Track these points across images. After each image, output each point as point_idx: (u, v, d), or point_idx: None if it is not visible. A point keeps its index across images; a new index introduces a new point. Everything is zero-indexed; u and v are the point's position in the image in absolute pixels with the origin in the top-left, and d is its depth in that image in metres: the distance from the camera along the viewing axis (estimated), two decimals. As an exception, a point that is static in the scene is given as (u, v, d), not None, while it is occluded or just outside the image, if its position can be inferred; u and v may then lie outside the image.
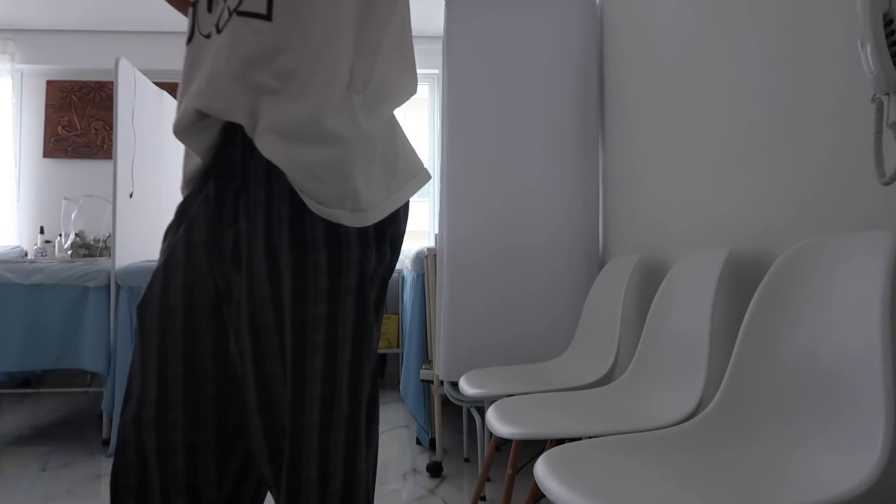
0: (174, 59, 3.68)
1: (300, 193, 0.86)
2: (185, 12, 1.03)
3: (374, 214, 0.90)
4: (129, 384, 0.91)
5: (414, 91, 1.01)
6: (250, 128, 0.85)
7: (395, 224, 0.97)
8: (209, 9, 0.90)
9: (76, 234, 3.95)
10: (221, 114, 0.85)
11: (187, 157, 0.97)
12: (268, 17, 0.84)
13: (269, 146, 0.84)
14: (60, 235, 4.12)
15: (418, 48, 4.65)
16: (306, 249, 0.87)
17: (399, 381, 3.52)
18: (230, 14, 0.85)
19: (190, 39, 0.92)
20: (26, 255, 4.23)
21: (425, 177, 1.00)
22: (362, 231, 0.90)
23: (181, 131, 0.90)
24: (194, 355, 0.90)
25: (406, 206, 0.99)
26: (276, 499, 0.88)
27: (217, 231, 0.91)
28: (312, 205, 0.86)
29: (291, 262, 0.86)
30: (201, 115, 0.88)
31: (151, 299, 0.92)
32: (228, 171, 0.92)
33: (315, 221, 0.87)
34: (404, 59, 0.97)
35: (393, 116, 0.98)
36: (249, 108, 0.84)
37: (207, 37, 0.89)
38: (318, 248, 0.87)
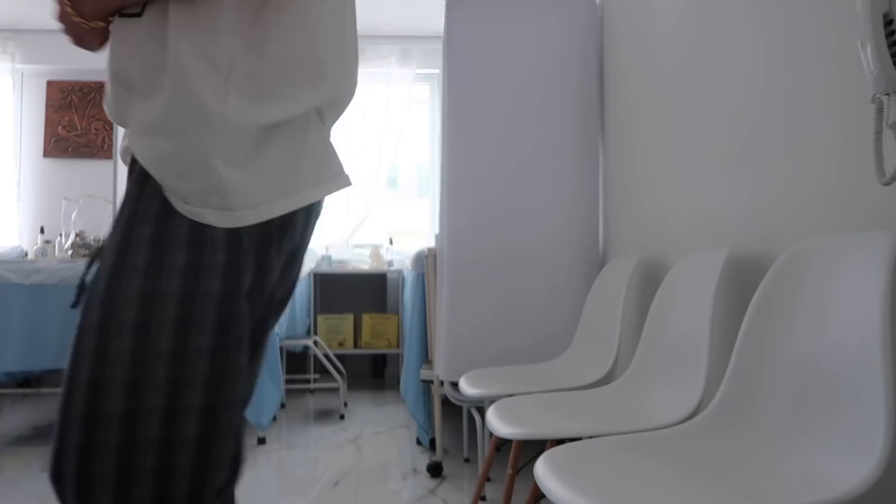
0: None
1: (165, 192, 0.80)
2: None
3: (252, 215, 0.81)
4: None
5: (344, 87, 0.90)
6: (125, 127, 0.83)
7: (289, 234, 0.86)
8: None
9: (76, 234, 3.95)
10: (112, 117, 0.84)
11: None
12: (140, 14, 0.80)
13: (136, 144, 0.80)
14: (61, 235, 4.12)
15: (419, 48, 4.65)
16: (165, 249, 0.79)
17: (399, 381, 3.52)
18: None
19: None
20: (26, 255, 4.23)
21: (334, 185, 0.89)
22: (234, 234, 0.80)
23: None
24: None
25: (308, 217, 0.89)
26: None
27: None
28: (176, 203, 0.80)
29: (144, 260, 0.78)
30: None
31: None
32: (132, 166, 0.87)
33: (181, 219, 0.79)
34: (326, 49, 0.86)
35: (310, 117, 0.86)
36: (122, 110, 0.82)
37: None
38: (178, 249, 0.78)
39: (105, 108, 0.87)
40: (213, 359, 0.78)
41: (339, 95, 0.90)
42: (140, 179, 0.82)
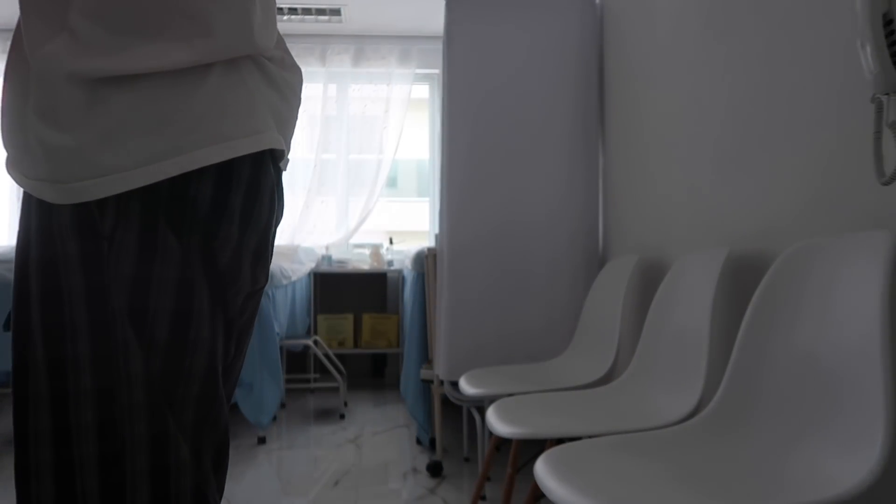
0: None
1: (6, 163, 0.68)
2: None
3: (94, 188, 0.63)
4: None
5: (243, 46, 0.70)
6: None
7: (189, 207, 0.68)
8: None
9: (76, 234, 3.95)
10: None
11: None
12: None
13: None
14: (61, 235, 4.12)
15: (419, 48, 4.64)
16: (28, 243, 0.68)
17: (399, 381, 3.52)
18: None
19: None
20: (26, 254, 4.22)
21: (242, 146, 0.69)
22: (83, 212, 0.65)
23: None
24: None
25: (223, 184, 0.69)
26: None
27: None
28: (17, 176, 0.67)
29: (17, 260, 0.69)
30: None
31: None
32: None
33: (32, 206, 0.69)
34: None
35: (218, 67, 0.69)
36: None
37: None
38: (35, 242, 0.67)
39: None
40: (94, 369, 0.65)
41: (233, 55, 0.70)
42: None
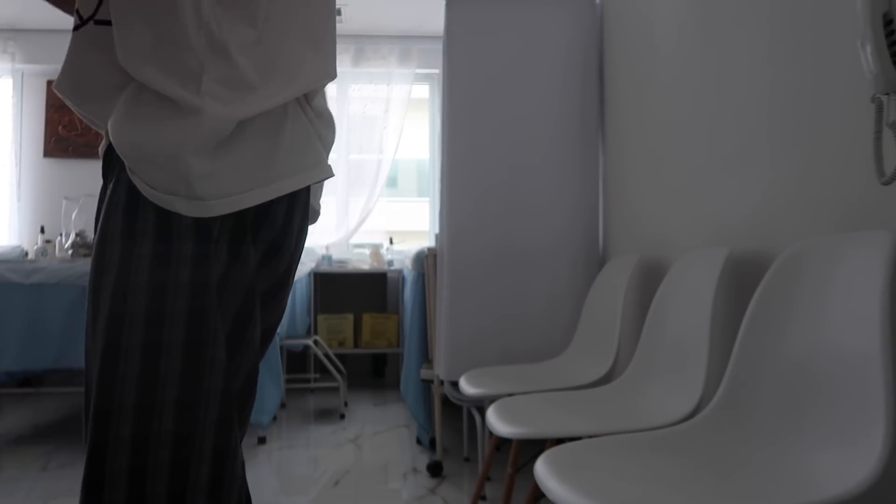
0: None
1: (131, 175, 0.79)
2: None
3: (222, 206, 0.79)
4: None
5: (325, 75, 0.89)
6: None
7: (267, 224, 0.86)
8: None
9: (77, 234, 3.94)
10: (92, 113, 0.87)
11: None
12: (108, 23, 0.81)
13: (113, 122, 0.80)
14: (61, 235, 4.13)
15: (419, 48, 4.64)
16: (134, 239, 0.78)
17: (399, 381, 3.52)
18: (84, 23, 0.85)
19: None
20: (27, 254, 4.23)
21: (313, 175, 0.88)
22: (202, 223, 0.79)
23: None
24: None
25: (291, 208, 0.88)
26: None
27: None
28: (143, 188, 0.78)
29: (118, 253, 0.78)
30: None
31: None
32: (107, 165, 0.88)
33: (147, 209, 0.79)
34: (301, 41, 0.85)
35: (288, 106, 0.85)
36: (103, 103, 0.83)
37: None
38: (145, 238, 0.78)
39: (80, 105, 0.87)
40: (186, 352, 0.76)
41: (319, 84, 0.89)
42: (112, 170, 0.82)
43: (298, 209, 0.89)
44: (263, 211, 0.84)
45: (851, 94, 1.18)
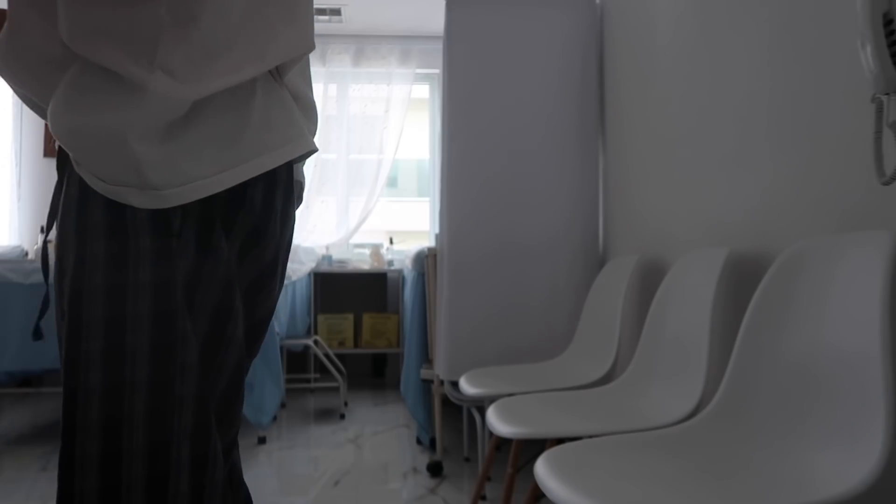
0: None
1: (76, 168, 0.72)
2: None
3: (181, 194, 0.71)
4: None
5: (302, 47, 0.81)
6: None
7: (243, 210, 0.77)
8: None
9: (76, 234, 3.94)
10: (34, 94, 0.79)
11: None
12: None
13: (52, 109, 0.71)
14: (61, 235, 4.12)
15: (419, 48, 4.64)
16: (85, 239, 0.71)
17: (399, 381, 3.52)
18: None
19: None
20: (27, 254, 4.23)
21: (288, 152, 0.79)
22: (159, 215, 0.72)
23: None
24: None
25: (270, 190, 0.79)
26: None
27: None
28: (91, 180, 0.71)
29: (74, 254, 0.71)
30: None
31: None
32: (62, 158, 0.80)
33: (97, 203, 0.71)
34: (275, 7, 0.76)
35: (259, 80, 0.77)
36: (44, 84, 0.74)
37: None
38: (98, 237, 0.71)
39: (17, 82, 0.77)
40: (153, 358, 0.69)
41: (294, 55, 0.80)
42: (65, 164, 0.76)
43: (279, 190, 0.81)
44: (237, 196, 0.76)
45: (851, 94, 1.18)
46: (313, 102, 0.91)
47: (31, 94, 0.77)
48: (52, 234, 0.78)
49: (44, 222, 4.34)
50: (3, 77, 0.77)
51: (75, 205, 0.73)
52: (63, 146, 0.72)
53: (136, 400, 0.68)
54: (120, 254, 0.70)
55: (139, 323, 0.70)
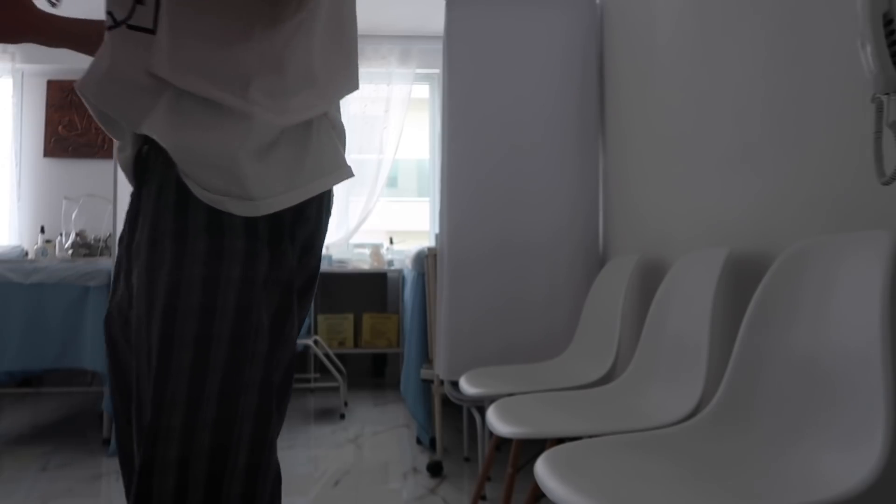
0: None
1: (185, 178, 0.84)
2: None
3: (268, 205, 0.86)
4: (112, 395, 0.96)
5: (352, 87, 0.98)
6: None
7: (301, 224, 0.92)
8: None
9: (77, 234, 3.95)
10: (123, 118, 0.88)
11: (119, 152, 0.97)
12: (153, 31, 0.85)
13: (158, 128, 0.83)
14: (61, 235, 4.13)
15: (419, 48, 4.65)
16: (186, 238, 0.83)
17: (399, 381, 3.53)
18: (117, 25, 0.87)
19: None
20: (27, 254, 4.23)
21: (341, 176, 0.95)
22: (250, 222, 0.85)
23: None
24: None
25: (320, 209, 0.95)
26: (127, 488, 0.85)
27: (131, 235, 0.92)
28: (197, 190, 0.83)
29: (171, 251, 0.83)
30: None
31: (113, 311, 0.96)
32: (143, 170, 0.91)
33: (199, 209, 0.84)
34: (335, 58, 0.95)
35: (319, 116, 0.93)
36: (138, 111, 0.86)
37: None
38: (198, 237, 0.83)
39: (101, 112, 0.89)
40: (231, 345, 0.81)
41: (345, 95, 0.98)
42: (151, 174, 0.87)
43: (325, 209, 0.96)
44: (299, 212, 0.90)
45: (851, 94, 1.18)
46: (343, 127, 1.03)
47: (120, 116, 0.87)
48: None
49: (43, 222, 4.36)
50: (97, 101, 0.87)
51: (173, 208, 0.84)
52: (178, 160, 0.83)
53: (212, 380, 0.80)
54: (217, 251, 0.83)
55: (225, 313, 0.81)
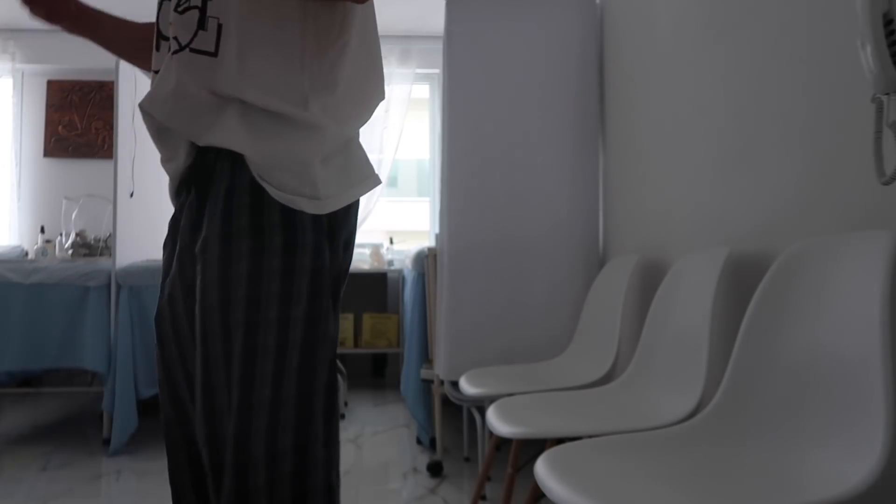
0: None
1: (261, 181, 0.94)
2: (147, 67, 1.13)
3: (331, 204, 0.98)
4: (161, 390, 1.04)
5: (382, 97, 1.10)
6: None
7: (346, 225, 1.04)
8: (161, 40, 1.01)
9: (77, 234, 3.95)
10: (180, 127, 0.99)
11: (166, 162, 1.06)
12: (214, 54, 0.95)
13: (231, 136, 0.94)
14: (61, 235, 4.13)
15: (419, 48, 4.64)
16: (263, 233, 0.93)
17: (399, 381, 3.52)
18: (182, 49, 0.96)
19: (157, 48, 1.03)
20: (27, 254, 4.23)
21: (375, 181, 1.08)
22: (317, 219, 0.97)
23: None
24: (188, 359, 1.00)
25: (356, 211, 1.07)
26: (215, 487, 0.91)
27: (194, 235, 0.99)
28: (273, 191, 0.94)
29: (248, 245, 0.93)
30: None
31: (164, 311, 1.03)
32: (205, 178, 0.99)
33: (273, 208, 0.95)
34: (369, 72, 1.06)
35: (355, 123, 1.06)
36: (206, 122, 0.97)
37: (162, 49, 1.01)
38: (275, 232, 0.94)
39: (169, 117, 0.98)
40: (305, 327, 0.93)
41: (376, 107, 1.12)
42: (218, 178, 0.97)
43: (356, 212, 1.08)
44: (343, 211, 1.02)
45: (851, 94, 1.18)
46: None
47: (184, 130, 0.98)
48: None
49: (43, 222, 4.35)
50: (163, 118, 0.97)
51: (248, 207, 0.95)
52: (257, 166, 0.94)
53: (293, 356, 0.92)
54: (292, 244, 0.94)
55: (300, 299, 0.93)
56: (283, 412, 0.90)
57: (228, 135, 0.94)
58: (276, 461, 0.88)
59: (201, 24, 0.95)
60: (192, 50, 0.96)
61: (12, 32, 4.48)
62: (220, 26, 0.95)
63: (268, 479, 0.88)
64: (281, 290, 0.92)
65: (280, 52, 0.96)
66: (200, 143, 0.96)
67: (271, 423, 0.89)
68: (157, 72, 1.00)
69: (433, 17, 4.11)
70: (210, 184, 0.98)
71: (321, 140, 0.97)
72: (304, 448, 0.91)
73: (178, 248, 1.02)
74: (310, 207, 0.96)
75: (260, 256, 0.92)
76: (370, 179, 1.08)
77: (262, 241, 0.93)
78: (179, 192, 1.06)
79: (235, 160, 0.96)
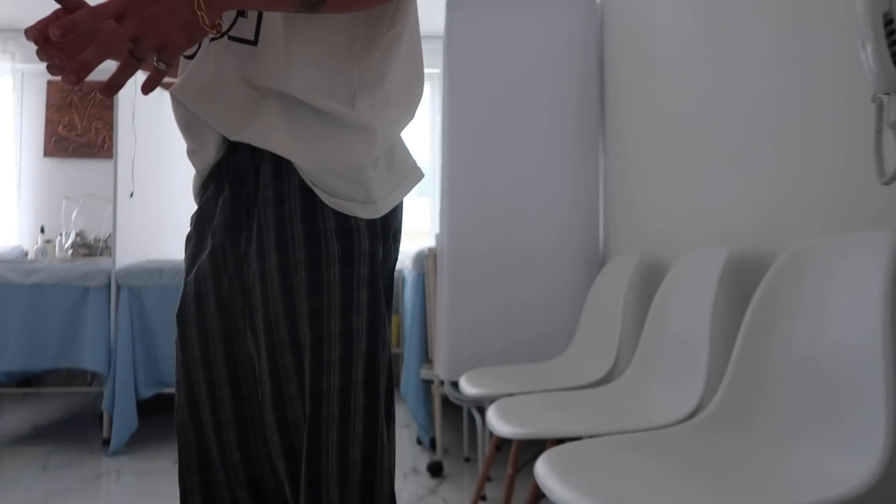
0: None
1: (313, 187, 0.90)
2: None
3: (383, 207, 0.95)
4: (178, 391, 0.99)
5: (421, 95, 1.07)
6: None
7: (395, 220, 1.02)
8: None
9: (77, 234, 3.95)
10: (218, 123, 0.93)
11: (193, 154, 0.99)
12: (254, 42, 0.89)
13: (276, 140, 0.89)
14: (61, 235, 4.13)
15: (418, 48, 4.63)
16: (319, 241, 0.90)
17: (399, 381, 3.53)
18: (220, 35, 0.89)
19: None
20: (27, 254, 4.23)
21: (419, 174, 1.05)
22: (371, 223, 0.94)
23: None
24: (235, 357, 0.97)
25: (401, 204, 1.03)
26: (293, 495, 0.90)
27: (234, 235, 0.96)
28: (326, 198, 0.90)
29: (305, 255, 0.90)
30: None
31: (188, 309, 0.97)
32: (241, 175, 0.95)
33: (327, 214, 0.91)
34: (414, 70, 1.03)
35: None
36: (240, 118, 0.92)
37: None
38: (331, 240, 0.90)
39: (209, 116, 0.93)
40: (368, 336, 0.91)
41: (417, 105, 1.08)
42: (265, 181, 0.93)
43: (402, 206, 1.05)
44: (393, 211, 0.99)
45: (852, 94, 1.18)
46: None
47: (217, 123, 0.92)
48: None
49: (43, 222, 4.36)
50: (195, 108, 0.92)
51: (300, 216, 0.91)
52: (308, 171, 0.90)
53: (358, 368, 0.90)
54: (349, 253, 0.91)
55: (360, 307, 0.91)
56: (351, 426, 0.89)
57: (272, 138, 0.90)
58: (347, 474, 0.88)
59: (241, 10, 0.89)
60: (231, 38, 0.89)
61: (12, 32, 4.48)
62: (260, 12, 0.89)
63: (340, 492, 0.88)
64: (342, 301, 0.90)
65: (326, 41, 0.90)
66: (234, 139, 0.92)
67: (342, 438, 0.88)
68: (189, 57, 0.93)
69: (433, 17, 4.11)
70: (247, 182, 0.94)
71: (371, 142, 0.92)
72: (371, 459, 0.90)
73: (211, 245, 0.97)
74: (364, 213, 0.93)
75: (318, 266, 0.90)
76: (415, 172, 1.04)
77: (318, 250, 0.90)
78: (206, 185, 1.01)
79: (279, 161, 0.91)
